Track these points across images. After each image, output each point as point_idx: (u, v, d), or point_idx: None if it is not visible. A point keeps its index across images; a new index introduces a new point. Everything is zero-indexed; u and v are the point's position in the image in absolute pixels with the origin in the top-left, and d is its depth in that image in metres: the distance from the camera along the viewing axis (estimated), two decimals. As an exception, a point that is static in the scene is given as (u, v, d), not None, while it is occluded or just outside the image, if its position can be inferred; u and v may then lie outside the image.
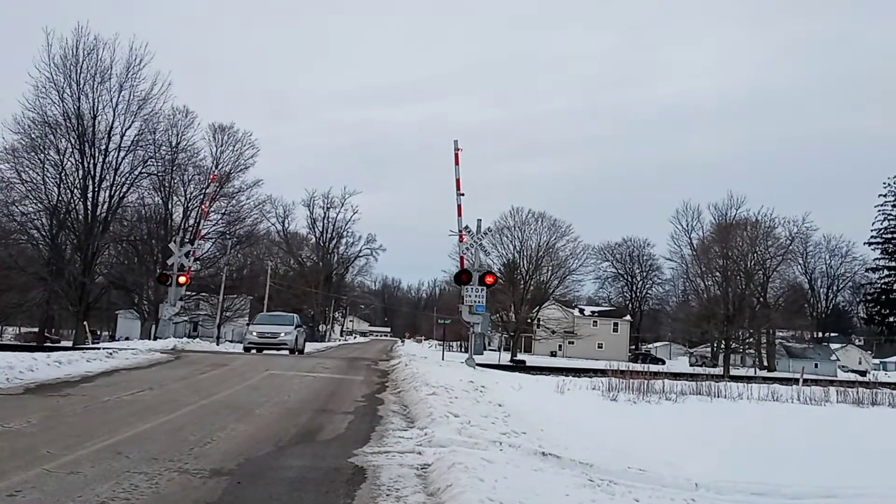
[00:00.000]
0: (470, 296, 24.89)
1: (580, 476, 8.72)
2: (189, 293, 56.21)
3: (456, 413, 11.56)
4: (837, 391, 24.41)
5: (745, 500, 10.06)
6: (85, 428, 9.54)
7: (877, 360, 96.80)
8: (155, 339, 33.66)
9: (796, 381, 32.73)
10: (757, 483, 10.76)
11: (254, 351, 28.74)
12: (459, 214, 25.94)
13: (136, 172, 51.99)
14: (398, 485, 7.20)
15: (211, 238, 57.35)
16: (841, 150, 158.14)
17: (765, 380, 33.84)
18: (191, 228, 54.30)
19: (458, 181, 26.07)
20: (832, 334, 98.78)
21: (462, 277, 25.25)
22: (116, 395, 12.94)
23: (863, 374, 74.13)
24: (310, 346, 60.62)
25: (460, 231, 25.74)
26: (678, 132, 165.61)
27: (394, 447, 9.22)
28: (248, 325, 37.68)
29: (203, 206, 49.18)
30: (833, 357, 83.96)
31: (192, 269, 35.34)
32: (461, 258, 26.25)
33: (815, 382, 30.77)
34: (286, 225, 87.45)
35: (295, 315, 34.84)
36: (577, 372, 34.04)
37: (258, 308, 66.25)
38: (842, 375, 62.97)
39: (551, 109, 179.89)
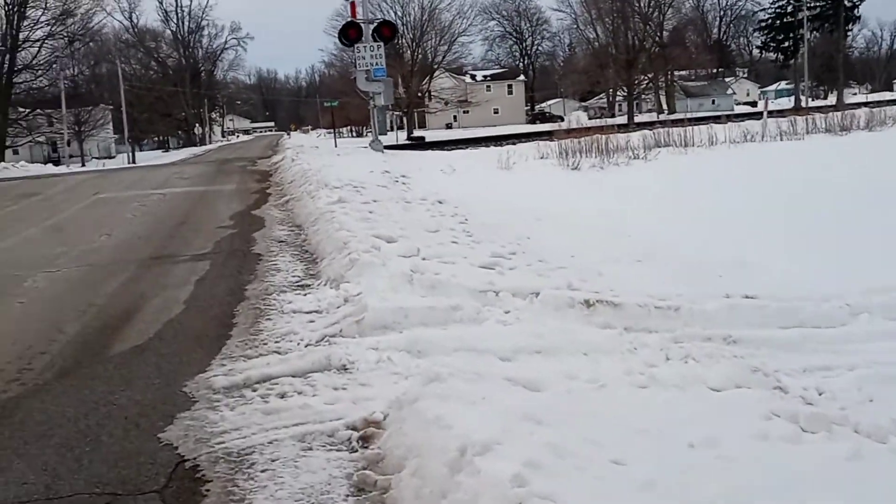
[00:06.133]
0: (364, 58, 18.98)
1: (667, 342, 4.03)
2: (22, 108, 47.91)
3: (388, 236, 6.59)
4: (807, 121, 21.45)
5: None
6: None
7: (759, 91, 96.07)
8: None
9: (694, 121, 28.49)
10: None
11: None
12: None
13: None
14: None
15: (38, 41, 47.70)
16: None
17: (674, 122, 29.59)
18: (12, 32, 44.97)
19: None
20: (721, 70, 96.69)
21: (349, 33, 19.15)
22: None
23: (753, 104, 72.71)
24: (185, 153, 53.60)
25: None
26: None
27: (284, 358, 4.27)
28: None
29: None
30: (729, 91, 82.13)
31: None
32: (352, 4, 19.71)
33: (736, 117, 27.84)
34: (134, 20, 75.73)
35: None
36: (497, 140, 29.62)
37: (119, 119, 57.91)
38: (737, 109, 61.06)
39: None
